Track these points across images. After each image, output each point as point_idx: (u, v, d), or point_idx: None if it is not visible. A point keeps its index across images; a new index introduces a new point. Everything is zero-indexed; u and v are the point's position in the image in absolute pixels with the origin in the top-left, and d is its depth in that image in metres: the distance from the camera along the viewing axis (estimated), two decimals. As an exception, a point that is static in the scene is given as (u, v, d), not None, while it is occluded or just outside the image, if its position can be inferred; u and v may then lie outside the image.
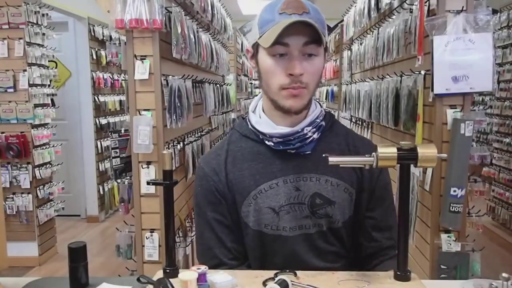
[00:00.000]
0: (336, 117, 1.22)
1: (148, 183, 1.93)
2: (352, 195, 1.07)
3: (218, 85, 3.59)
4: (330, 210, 1.05)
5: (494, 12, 4.29)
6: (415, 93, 2.17)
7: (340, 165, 0.84)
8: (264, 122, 1.08)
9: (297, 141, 1.05)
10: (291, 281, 0.81)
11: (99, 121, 4.83)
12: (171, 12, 2.25)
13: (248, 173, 1.07)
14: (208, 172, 1.10)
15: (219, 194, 1.08)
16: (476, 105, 5.29)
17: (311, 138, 1.06)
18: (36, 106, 3.58)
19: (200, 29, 2.89)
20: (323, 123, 1.10)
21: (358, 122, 3.69)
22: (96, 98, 4.77)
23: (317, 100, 1.16)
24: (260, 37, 1.00)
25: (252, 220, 1.05)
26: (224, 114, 4.18)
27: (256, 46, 1.05)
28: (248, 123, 1.12)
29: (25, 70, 3.48)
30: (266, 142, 1.07)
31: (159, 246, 2.23)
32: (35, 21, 3.62)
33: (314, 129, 1.07)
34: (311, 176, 1.05)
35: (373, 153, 0.77)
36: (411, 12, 2.25)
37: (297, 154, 1.05)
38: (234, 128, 1.17)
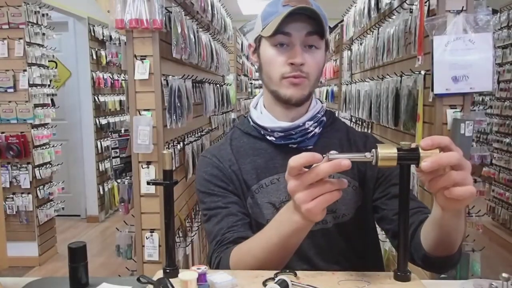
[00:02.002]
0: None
1: (148, 183, 1.93)
2: (356, 188, 1.07)
3: (218, 85, 3.59)
4: (333, 205, 1.04)
5: (494, 12, 4.29)
6: (415, 93, 2.17)
7: None
8: (266, 117, 1.08)
9: (298, 135, 1.05)
10: (291, 281, 0.81)
11: (99, 121, 4.84)
12: (171, 12, 2.25)
13: (250, 167, 1.07)
14: (215, 160, 1.10)
15: (226, 178, 1.07)
16: (476, 105, 5.29)
17: (313, 132, 1.06)
18: (36, 106, 3.59)
19: (200, 29, 2.89)
20: (324, 118, 1.10)
21: (358, 122, 3.69)
22: (96, 98, 4.77)
23: (318, 99, 1.17)
24: (263, 29, 1.02)
25: (254, 213, 1.05)
26: (224, 114, 4.18)
27: (258, 39, 1.06)
28: (250, 120, 1.12)
29: (25, 70, 3.48)
30: (268, 137, 1.07)
31: (159, 246, 2.23)
32: (35, 21, 3.63)
33: (316, 124, 1.07)
34: None
35: (373, 150, 0.77)
36: (411, 12, 2.25)
37: (299, 149, 1.04)
38: (236, 126, 1.17)
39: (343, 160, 0.74)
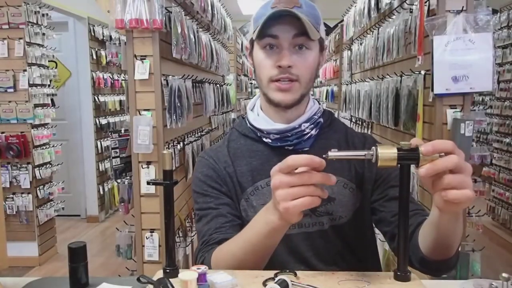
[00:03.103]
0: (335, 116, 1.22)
1: (148, 183, 1.93)
2: (353, 190, 1.06)
3: (218, 85, 3.59)
4: (330, 207, 1.04)
5: (494, 12, 4.29)
6: (415, 93, 2.17)
7: (339, 159, 0.83)
8: (262, 119, 1.08)
9: (294, 137, 1.04)
10: (291, 281, 0.81)
11: (99, 121, 4.84)
12: (171, 12, 2.25)
13: (246, 169, 1.07)
14: (211, 161, 1.10)
15: (220, 179, 1.08)
16: (476, 105, 5.30)
17: (309, 134, 1.06)
18: (36, 106, 3.58)
19: (200, 29, 2.89)
20: (321, 119, 1.09)
21: (358, 122, 3.69)
22: (96, 98, 4.77)
23: (317, 99, 1.16)
24: (254, 31, 1.02)
25: (248, 216, 1.05)
26: (224, 114, 4.18)
27: (252, 42, 1.06)
28: (247, 121, 1.12)
29: (25, 70, 3.48)
30: (264, 139, 1.07)
31: (159, 246, 2.24)
32: (35, 21, 3.63)
33: (312, 125, 1.06)
34: None
35: (373, 148, 0.76)
36: (411, 12, 2.25)
37: (295, 151, 1.04)
38: (234, 127, 1.17)
39: (333, 176, 0.78)
